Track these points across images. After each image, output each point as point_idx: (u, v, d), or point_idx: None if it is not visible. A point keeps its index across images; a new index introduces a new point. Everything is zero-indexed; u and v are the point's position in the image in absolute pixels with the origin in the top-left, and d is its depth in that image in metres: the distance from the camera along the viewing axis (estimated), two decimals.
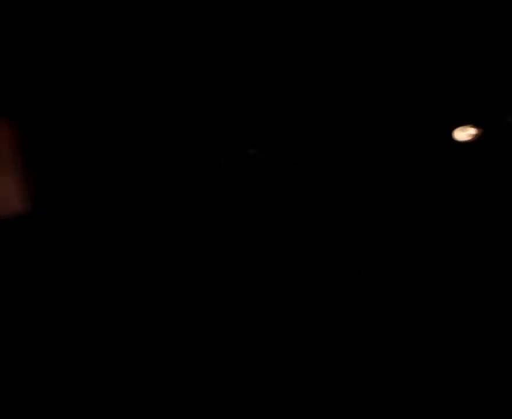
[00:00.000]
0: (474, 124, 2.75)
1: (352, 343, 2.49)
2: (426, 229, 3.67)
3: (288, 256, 3.32)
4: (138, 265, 3.49)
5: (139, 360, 2.86)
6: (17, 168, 2.34)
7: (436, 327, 2.50)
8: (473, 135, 2.69)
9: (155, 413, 2.32)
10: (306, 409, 2.10)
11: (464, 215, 3.71)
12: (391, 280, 3.13)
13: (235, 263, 3.30)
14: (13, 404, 2.12)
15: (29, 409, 2.17)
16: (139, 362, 2.82)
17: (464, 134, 2.77)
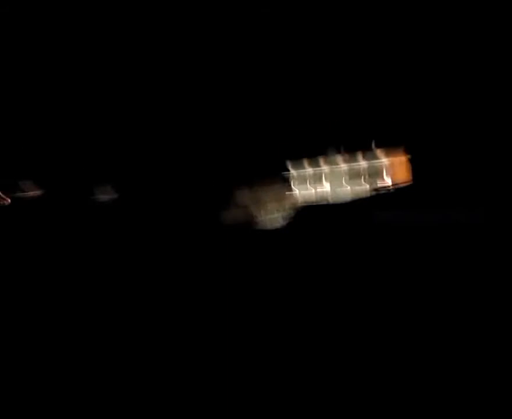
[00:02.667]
0: None
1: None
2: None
3: None
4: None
5: (138, 360, 3.27)
6: None
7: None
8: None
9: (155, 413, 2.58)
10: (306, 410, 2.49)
11: None
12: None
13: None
14: (12, 404, 2.49)
15: (29, 409, 2.52)
16: (138, 362, 3.24)
17: None
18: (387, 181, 26.07)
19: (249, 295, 5.65)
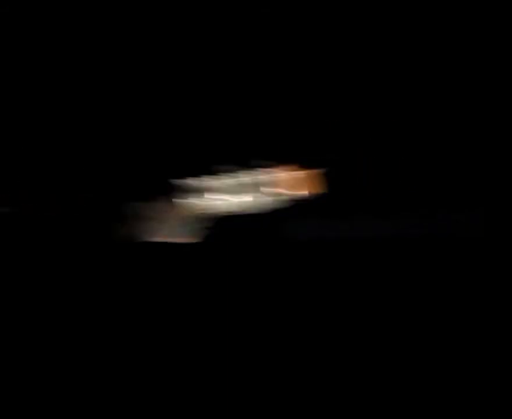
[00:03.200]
0: None
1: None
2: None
3: None
4: None
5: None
6: None
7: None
8: None
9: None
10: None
11: None
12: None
13: None
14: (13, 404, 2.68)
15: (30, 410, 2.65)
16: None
17: None
18: (294, 192, 26.17)
19: (141, 313, 5.41)
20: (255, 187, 21.68)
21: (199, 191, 23.99)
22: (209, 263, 8.67)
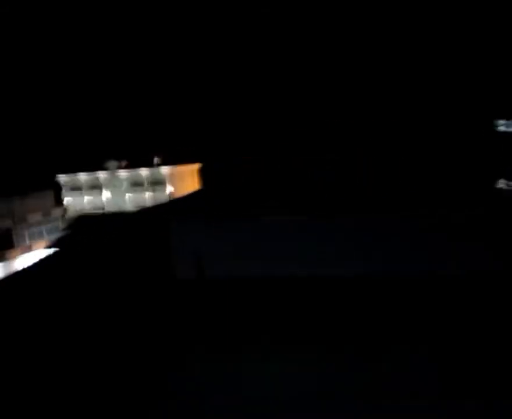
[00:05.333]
0: None
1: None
2: None
3: None
4: None
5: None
6: None
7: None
8: None
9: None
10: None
11: None
12: None
13: None
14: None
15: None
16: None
17: None
18: (172, 189, 25.94)
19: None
20: (141, 184, 21.02)
21: (79, 188, 22.09)
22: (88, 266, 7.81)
